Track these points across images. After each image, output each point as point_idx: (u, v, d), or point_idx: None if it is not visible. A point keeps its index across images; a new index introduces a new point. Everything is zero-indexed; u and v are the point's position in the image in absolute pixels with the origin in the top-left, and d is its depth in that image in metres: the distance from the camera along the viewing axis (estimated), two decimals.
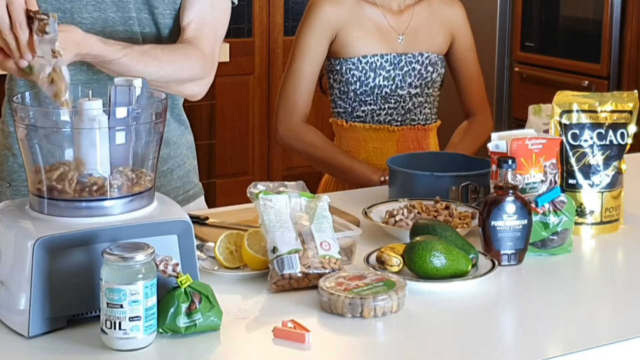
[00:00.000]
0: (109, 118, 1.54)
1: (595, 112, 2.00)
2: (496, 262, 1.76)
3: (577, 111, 1.99)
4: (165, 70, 1.95)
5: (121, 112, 1.57)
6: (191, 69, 2.01)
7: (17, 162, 2.08)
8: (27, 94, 1.61)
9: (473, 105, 2.73)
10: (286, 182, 1.85)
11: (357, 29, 2.58)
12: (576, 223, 1.94)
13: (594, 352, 1.49)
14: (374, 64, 2.57)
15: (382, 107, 2.60)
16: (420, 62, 2.61)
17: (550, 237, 1.87)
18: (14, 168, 2.10)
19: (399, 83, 2.59)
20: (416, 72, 2.61)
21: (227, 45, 4.14)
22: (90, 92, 1.57)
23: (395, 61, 2.59)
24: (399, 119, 2.62)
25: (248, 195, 1.78)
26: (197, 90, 2.07)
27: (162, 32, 2.06)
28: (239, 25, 5.06)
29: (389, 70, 2.58)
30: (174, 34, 2.08)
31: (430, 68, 2.62)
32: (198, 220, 1.99)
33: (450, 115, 2.85)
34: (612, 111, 2.01)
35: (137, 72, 1.86)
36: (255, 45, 5.18)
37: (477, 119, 2.72)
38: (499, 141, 1.93)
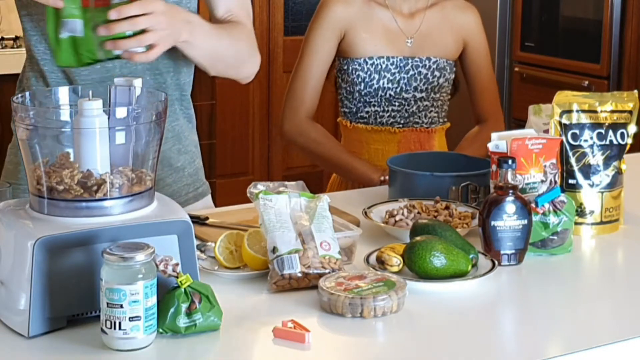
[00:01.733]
0: (109, 118, 1.54)
1: (595, 112, 2.00)
2: (496, 262, 1.76)
3: (577, 111, 1.99)
4: (238, 45, 2.04)
5: (121, 112, 1.57)
6: (251, 43, 2.09)
7: None
8: (27, 94, 1.61)
9: (485, 112, 2.72)
10: (286, 182, 1.85)
11: (365, 29, 2.58)
12: (576, 223, 1.94)
13: (594, 352, 1.49)
14: (379, 66, 2.57)
15: (386, 109, 2.60)
16: (427, 66, 2.61)
17: (550, 237, 1.87)
18: None
19: (403, 86, 2.59)
20: (422, 77, 2.60)
21: None
22: (91, 92, 1.57)
23: (402, 64, 2.59)
24: (402, 121, 2.62)
25: (248, 195, 1.78)
26: (253, 70, 2.14)
27: None
28: None
29: (394, 73, 2.58)
30: None
31: (437, 73, 2.62)
32: (198, 220, 1.99)
33: (461, 118, 2.84)
34: (612, 111, 2.01)
35: (213, 46, 1.98)
36: None
37: (489, 125, 2.69)
38: (499, 141, 1.93)
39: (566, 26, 4.55)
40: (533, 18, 4.66)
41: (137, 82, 1.65)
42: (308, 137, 2.61)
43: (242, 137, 5.17)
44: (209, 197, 2.30)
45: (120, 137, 1.54)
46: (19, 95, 1.59)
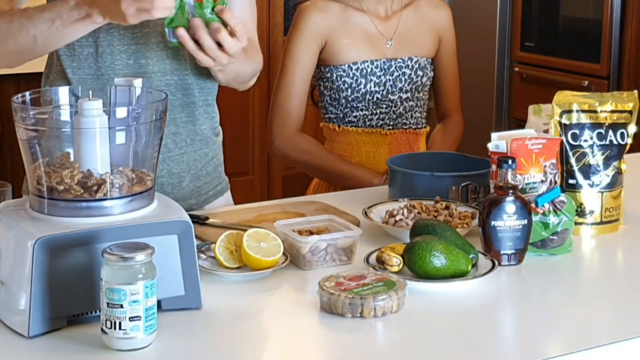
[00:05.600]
0: (109, 118, 1.54)
1: (595, 112, 2.00)
2: (496, 262, 1.76)
3: (577, 111, 2.00)
4: (255, 64, 2.12)
5: (121, 112, 1.57)
6: (260, 59, 2.17)
7: None
8: (27, 94, 1.61)
9: (450, 108, 2.75)
10: None
11: (345, 35, 2.58)
12: (576, 223, 1.94)
13: (594, 352, 1.49)
14: (365, 70, 2.57)
15: (374, 112, 2.60)
16: (410, 66, 2.61)
17: (550, 237, 1.87)
18: None
19: (389, 88, 2.59)
20: (406, 77, 2.61)
21: None
22: (91, 92, 1.57)
23: (385, 67, 2.59)
24: (391, 123, 2.62)
25: None
26: (255, 80, 2.20)
27: None
28: None
29: (379, 76, 2.58)
30: None
31: (420, 72, 2.62)
32: (198, 220, 1.99)
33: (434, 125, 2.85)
34: (612, 111, 2.01)
35: (246, 69, 2.07)
36: None
37: (453, 120, 2.75)
38: (499, 141, 1.93)
39: (566, 26, 4.55)
40: (533, 18, 4.66)
41: (137, 82, 1.65)
42: (301, 150, 2.60)
43: (242, 137, 5.17)
44: (229, 193, 2.32)
45: (120, 137, 1.54)
46: (19, 95, 1.59)
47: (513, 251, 1.82)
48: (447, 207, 2.02)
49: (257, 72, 2.17)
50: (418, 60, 2.63)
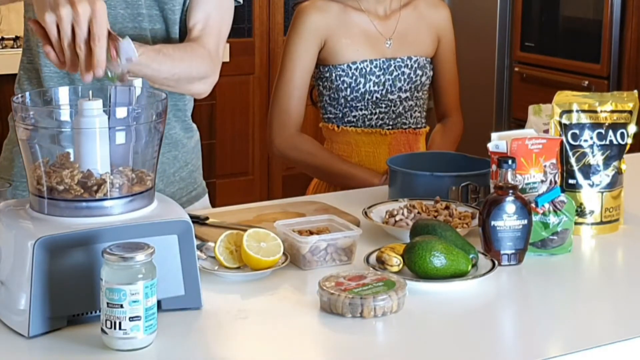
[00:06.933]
0: (109, 118, 1.54)
1: (595, 112, 2.00)
2: (496, 262, 1.76)
3: (577, 111, 2.00)
4: (178, 69, 1.96)
5: (121, 112, 1.57)
6: (199, 66, 2.02)
7: None
8: (27, 94, 1.61)
9: (449, 108, 2.75)
10: None
11: (345, 35, 2.58)
12: (576, 223, 1.94)
13: (594, 352, 1.49)
14: (364, 70, 2.57)
15: (373, 111, 2.60)
16: (409, 66, 2.61)
17: (550, 237, 1.87)
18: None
19: (389, 88, 2.59)
20: (405, 77, 2.61)
21: (227, 45, 4.13)
22: (91, 92, 1.57)
23: (385, 66, 2.59)
24: (391, 123, 2.62)
25: None
26: (204, 88, 2.07)
27: (171, 28, 2.07)
28: (239, 25, 5.07)
29: (378, 76, 2.58)
30: (182, 30, 2.09)
31: (419, 72, 2.62)
32: (198, 220, 1.99)
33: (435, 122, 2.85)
34: (612, 111, 2.01)
35: (152, 71, 1.88)
36: (255, 45, 5.19)
37: (452, 120, 2.75)
38: (499, 141, 1.93)
39: (566, 26, 4.55)
40: (533, 18, 4.66)
41: (137, 82, 1.65)
42: (301, 150, 2.60)
43: (242, 137, 5.18)
44: (205, 198, 2.29)
45: (120, 137, 1.54)
46: (19, 95, 1.59)
47: (513, 251, 1.82)
48: (447, 207, 2.02)
49: (196, 78, 2.02)
50: (417, 59, 2.63)
